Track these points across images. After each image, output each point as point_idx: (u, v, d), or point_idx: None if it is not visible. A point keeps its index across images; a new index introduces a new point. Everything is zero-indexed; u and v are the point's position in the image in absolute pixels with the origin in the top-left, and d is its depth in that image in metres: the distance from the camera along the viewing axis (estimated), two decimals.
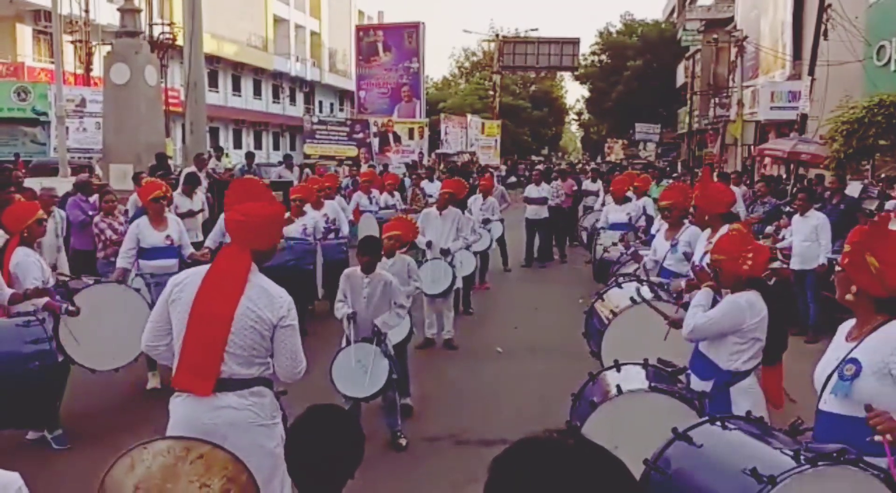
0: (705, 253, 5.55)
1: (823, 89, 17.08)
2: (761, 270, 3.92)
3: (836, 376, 2.80)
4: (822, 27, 16.92)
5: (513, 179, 33.88)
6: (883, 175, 12.57)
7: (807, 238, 8.59)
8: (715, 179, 10.88)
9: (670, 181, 18.22)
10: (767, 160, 21.86)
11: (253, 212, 3.22)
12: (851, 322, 3.00)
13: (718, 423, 3.01)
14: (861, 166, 13.53)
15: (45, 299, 5.45)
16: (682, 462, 2.91)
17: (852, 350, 2.81)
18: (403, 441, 5.61)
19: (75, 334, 5.61)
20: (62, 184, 12.68)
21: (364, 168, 19.72)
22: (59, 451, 5.45)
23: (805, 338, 8.10)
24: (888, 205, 10.22)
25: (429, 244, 8.50)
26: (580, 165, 35.78)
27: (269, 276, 3.40)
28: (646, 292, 5.54)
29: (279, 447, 3.17)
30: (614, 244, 9.35)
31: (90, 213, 8.94)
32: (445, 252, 8.37)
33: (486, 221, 11.34)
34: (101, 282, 6.45)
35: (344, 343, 5.52)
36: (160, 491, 2.25)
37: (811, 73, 17.71)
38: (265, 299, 3.16)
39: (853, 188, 11.50)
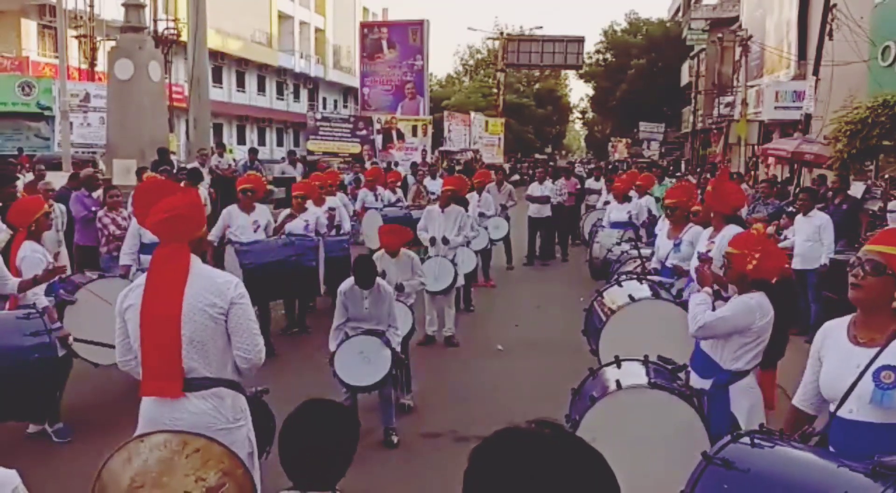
0: (707, 251, 5.57)
1: (828, 89, 17.05)
2: (769, 274, 3.87)
3: (868, 384, 2.57)
4: (828, 27, 16.88)
5: (516, 177, 33.85)
6: (886, 176, 12.53)
7: (809, 238, 8.58)
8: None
9: (673, 180, 18.22)
10: (771, 160, 21.83)
11: (174, 205, 3.19)
12: (835, 324, 2.82)
13: (746, 439, 2.57)
14: (864, 167, 13.50)
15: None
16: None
17: (878, 356, 2.59)
18: (395, 439, 5.62)
19: (78, 327, 5.62)
20: (64, 179, 12.69)
21: (368, 166, 19.73)
22: (59, 444, 5.48)
23: (805, 338, 8.09)
24: (891, 205, 10.21)
25: (432, 240, 8.54)
26: (580, 164, 35.72)
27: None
28: (645, 289, 5.54)
29: (243, 451, 3.12)
30: (618, 243, 9.35)
31: (93, 209, 8.95)
32: (445, 240, 8.50)
33: (480, 215, 11.33)
34: (105, 276, 6.47)
35: (342, 336, 5.56)
36: (156, 485, 2.26)
37: (816, 73, 17.66)
38: (211, 286, 3.12)
39: (856, 189, 11.48)
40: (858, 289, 2.68)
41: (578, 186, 16.43)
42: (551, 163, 31.43)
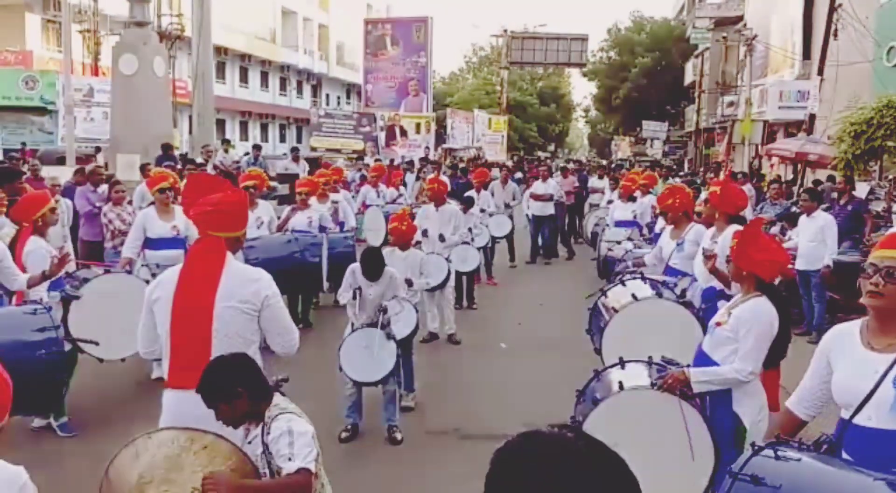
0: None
1: (832, 89, 17.01)
2: (750, 263, 3.86)
3: (889, 391, 2.49)
4: (832, 27, 16.84)
5: (518, 175, 33.79)
6: (891, 177, 12.51)
7: (813, 239, 8.57)
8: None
9: (677, 180, 18.19)
10: (775, 160, 21.78)
11: (222, 201, 3.28)
12: (845, 329, 2.77)
13: (769, 452, 2.45)
14: (868, 168, 13.47)
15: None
16: None
17: None
18: (399, 436, 5.63)
19: (82, 322, 5.64)
20: (69, 173, 12.72)
21: (368, 162, 19.76)
22: (64, 439, 5.50)
23: (808, 339, 8.10)
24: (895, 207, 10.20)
25: (424, 233, 8.55)
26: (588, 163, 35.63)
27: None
28: (648, 289, 5.53)
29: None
30: (619, 243, 9.34)
31: (97, 204, 8.98)
32: (442, 238, 8.56)
33: (481, 212, 11.34)
34: (110, 271, 6.48)
35: (349, 330, 5.58)
36: (164, 481, 2.27)
37: (820, 72, 17.63)
38: (245, 284, 3.21)
39: (860, 190, 11.47)
40: (879, 297, 2.60)
41: (577, 185, 16.41)
42: (548, 160, 31.40)
